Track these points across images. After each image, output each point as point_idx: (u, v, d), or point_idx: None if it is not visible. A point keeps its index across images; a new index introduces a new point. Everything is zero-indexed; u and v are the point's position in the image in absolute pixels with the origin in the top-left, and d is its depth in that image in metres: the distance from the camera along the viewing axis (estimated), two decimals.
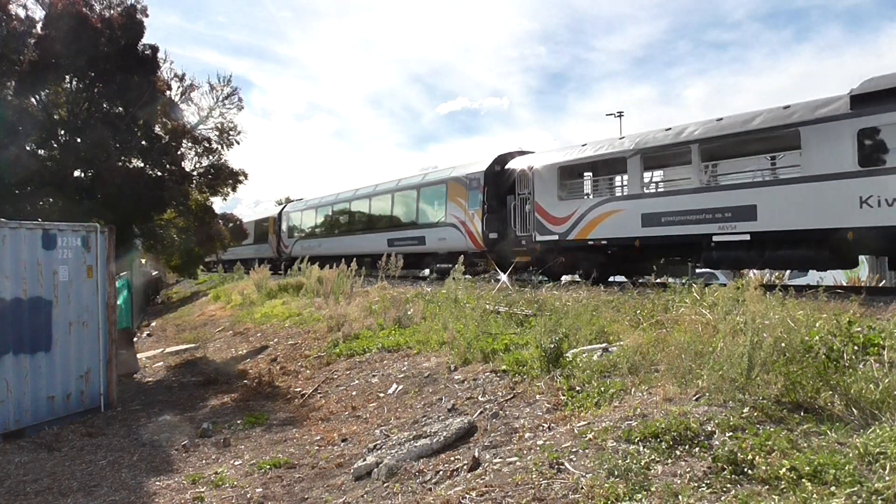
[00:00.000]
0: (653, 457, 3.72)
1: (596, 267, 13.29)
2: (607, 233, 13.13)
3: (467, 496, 3.84)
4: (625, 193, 13.31)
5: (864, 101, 9.51)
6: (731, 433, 3.83)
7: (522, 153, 16.91)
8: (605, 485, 3.47)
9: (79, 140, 13.68)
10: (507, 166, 16.44)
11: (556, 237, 14.28)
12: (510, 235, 15.89)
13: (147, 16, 14.01)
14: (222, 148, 16.26)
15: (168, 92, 15.13)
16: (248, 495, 5.41)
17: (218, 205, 19.33)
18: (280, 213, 30.79)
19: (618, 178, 14.42)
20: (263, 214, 34.29)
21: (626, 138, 13.29)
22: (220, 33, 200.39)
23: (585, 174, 15.15)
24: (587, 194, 14.62)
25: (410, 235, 19.43)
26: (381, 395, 7.69)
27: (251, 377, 10.91)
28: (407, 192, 20.31)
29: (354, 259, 18.64)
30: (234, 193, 22.61)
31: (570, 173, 14.85)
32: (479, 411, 5.82)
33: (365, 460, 5.29)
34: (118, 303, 10.38)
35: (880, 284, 14.56)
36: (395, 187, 21.08)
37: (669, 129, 12.36)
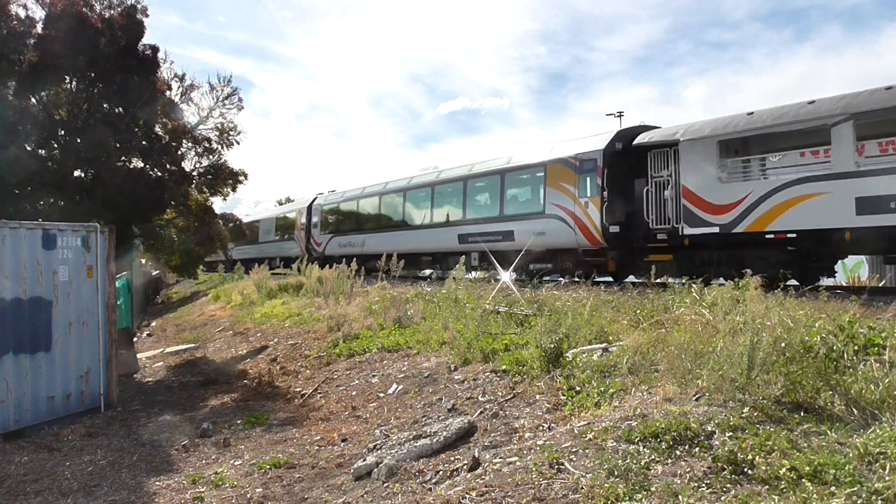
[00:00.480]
0: (653, 457, 3.72)
1: (776, 266, 10.56)
2: (798, 223, 10.41)
3: (467, 496, 3.84)
4: (828, 171, 10.23)
5: None
6: (731, 433, 3.83)
7: (646, 128, 13.90)
8: (605, 485, 3.47)
9: (79, 140, 13.70)
10: (634, 142, 13.23)
11: (715, 229, 11.45)
12: (640, 228, 13.02)
13: (147, 16, 14.06)
14: (222, 148, 16.31)
15: (168, 92, 15.16)
16: (248, 495, 5.41)
17: (218, 205, 19.21)
18: (310, 206, 26.79)
19: (809, 151, 11.09)
20: (288, 208, 30.88)
21: (822, 102, 10.48)
22: (220, 33, 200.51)
23: (758, 149, 11.92)
24: (765, 174, 11.39)
25: (492, 230, 16.15)
26: (381, 395, 7.69)
27: (251, 377, 10.91)
28: (486, 178, 16.91)
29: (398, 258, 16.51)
30: (234, 193, 21.71)
31: (734, 148, 11.85)
32: (479, 411, 5.82)
33: (365, 460, 5.29)
34: (118, 303, 10.38)
35: (880, 284, 14.50)
36: (468, 173, 17.63)
37: (891, 87, 9.84)
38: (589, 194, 13.58)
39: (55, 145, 14.12)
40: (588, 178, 13.69)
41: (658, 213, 12.65)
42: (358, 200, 23.18)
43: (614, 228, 13.25)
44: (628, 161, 13.34)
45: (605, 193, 13.27)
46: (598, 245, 13.52)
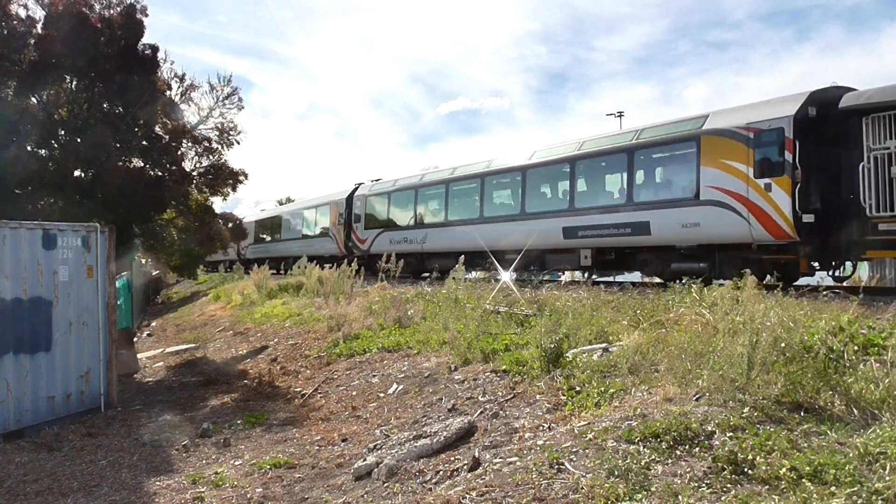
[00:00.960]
0: (653, 457, 3.73)
1: None
2: None
3: (467, 496, 3.84)
4: None
5: None
6: (731, 433, 3.83)
7: (846, 90, 10.77)
8: (606, 485, 3.47)
9: (79, 140, 13.71)
10: (841, 105, 10.25)
11: None
12: (852, 217, 10.28)
13: (147, 15, 14.06)
14: (222, 148, 16.30)
15: (168, 92, 15.16)
16: (248, 495, 5.41)
17: (218, 205, 18.92)
18: (350, 198, 23.29)
19: None
20: (318, 200, 27.03)
21: None
22: (220, 33, 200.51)
23: None
24: None
25: (616, 222, 12.98)
26: (382, 395, 7.69)
27: (251, 377, 10.92)
28: (604, 158, 13.78)
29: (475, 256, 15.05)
30: (235, 193, 20.67)
31: None
32: (479, 411, 5.82)
33: (365, 460, 5.29)
34: (118, 303, 10.39)
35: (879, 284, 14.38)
36: (576, 153, 14.17)
37: None
38: (771, 174, 10.53)
39: (55, 145, 14.12)
40: (769, 153, 10.66)
41: (882, 196, 9.76)
42: (416, 190, 19.73)
43: (808, 217, 10.32)
44: (827, 130, 10.55)
45: (798, 172, 10.26)
46: (786, 238, 10.47)
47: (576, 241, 13.83)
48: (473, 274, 16.06)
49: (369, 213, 22.03)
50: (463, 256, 12.31)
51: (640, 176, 13.05)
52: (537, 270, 14.87)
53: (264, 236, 32.39)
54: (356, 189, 23.47)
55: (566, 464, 3.91)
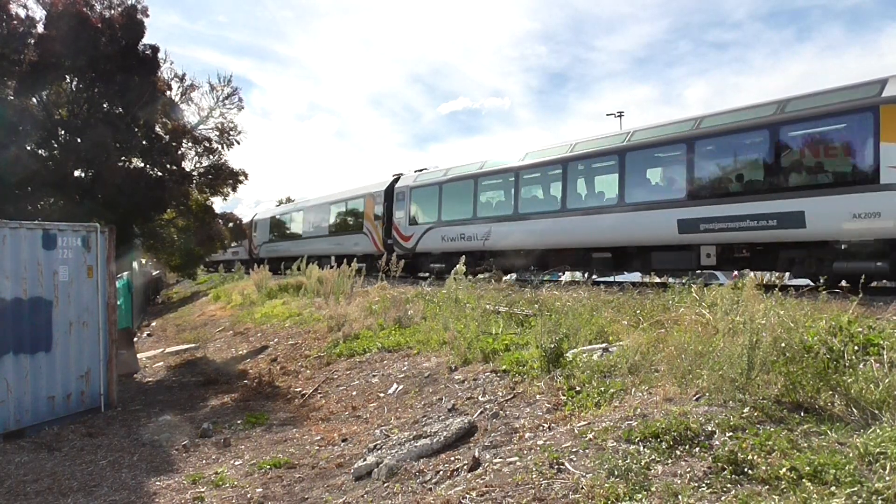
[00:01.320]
0: (653, 457, 3.72)
1: None
2: None
3: (467, 496, 3.84)
4: None
5: None
6: (731, 433, 3.83)
7: None
8: (606, 485, 3.47)
9: (79, 140, 13.72)
10: None
11: None
12: None
13: (147, 16, 14.09)
14: (222, 148, 16.34)
15: (168, 92, 15.18)
16: (249, 495, 5.41)
17: (218, 205, 19.04)
18: (389, 190, 20.82)
19: None
20: (349, 193, 24.12)
21: None
22: (220, 33, 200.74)
23: None
24: None
25: (755, 212, 10.76)
26: (382, 395, 7.69)
27: (251, 377, 10.92)
28: (735, 136, 11.36)
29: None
30: (235, 193, 20.58)
31: None
32: (479, 411, 5.82)
33: (365, 460, 5.29)
34: (118, 303, 10.38)
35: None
36: (693, 132, 11.88)
37: None
38: None
39: (55, 145, 14.14)
40: None
41: None
42: (476, 180, 17.16)
43: None
44: None
45: None
46: None
47: (696, 236, 11.62)
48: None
49: (415, 207, 19.57)
50: (463, 256, 12.26)
51: (788, 156, 10.73)
52: (641, 271, 13.37)
53: (282, 233, 30.01)
54: (396, 180, 21.12)
55: (566, 464, 3.91)
